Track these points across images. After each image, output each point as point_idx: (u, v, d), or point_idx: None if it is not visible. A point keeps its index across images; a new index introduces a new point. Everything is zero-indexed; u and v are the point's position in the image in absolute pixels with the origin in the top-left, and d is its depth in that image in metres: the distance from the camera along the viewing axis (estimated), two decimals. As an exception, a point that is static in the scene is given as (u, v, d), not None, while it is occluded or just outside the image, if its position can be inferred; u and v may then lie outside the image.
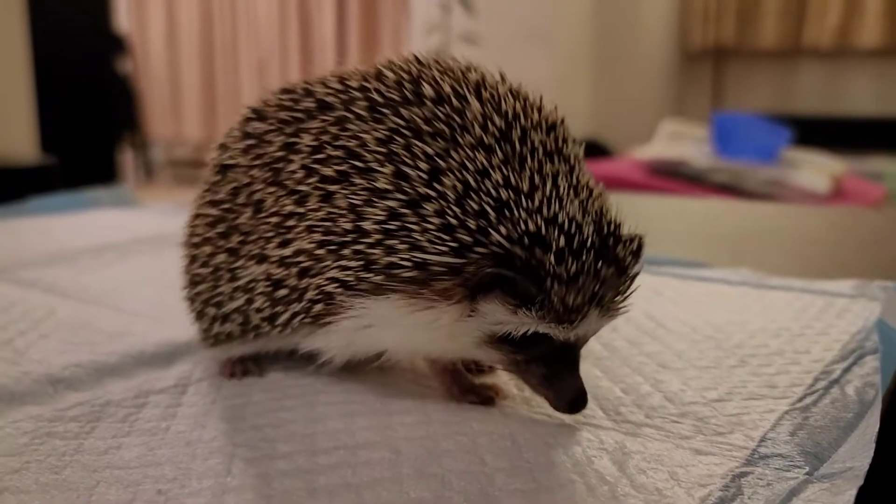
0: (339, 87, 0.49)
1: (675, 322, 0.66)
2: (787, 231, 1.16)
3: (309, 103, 0.50)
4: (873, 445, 0.42)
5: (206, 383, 0.55)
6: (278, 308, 0.50)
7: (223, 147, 0.55)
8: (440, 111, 0.45)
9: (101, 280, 0.82)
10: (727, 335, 0.63)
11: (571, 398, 0.45)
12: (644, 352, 0.60)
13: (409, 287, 0.44)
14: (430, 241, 0.43)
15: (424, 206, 0.43)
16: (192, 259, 0.56)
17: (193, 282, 0.56)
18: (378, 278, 0.45)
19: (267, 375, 0.56)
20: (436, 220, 0.43)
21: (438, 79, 0.47)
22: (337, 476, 0.42)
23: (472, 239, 0.43)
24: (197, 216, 0.56)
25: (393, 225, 0.44)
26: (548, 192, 0.43)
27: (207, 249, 0.54)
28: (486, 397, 0.50)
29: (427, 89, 0.46)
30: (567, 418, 0.48)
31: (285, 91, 0.53)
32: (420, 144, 0.44)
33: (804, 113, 3.39)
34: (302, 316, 0.49)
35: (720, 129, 2.55)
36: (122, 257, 0.93)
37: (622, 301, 0.45)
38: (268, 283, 0.50)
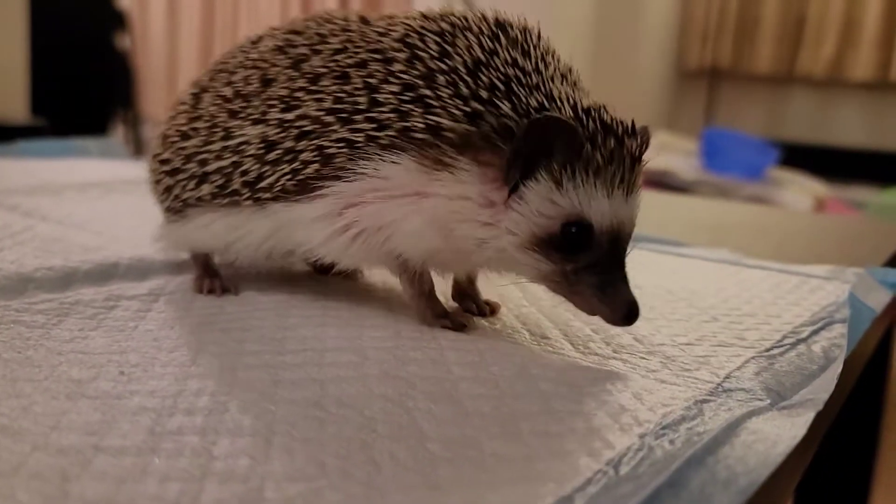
0: (358, 20, 0.53)
1: (649, 285, 0.67)
2: (768, 227, 1.17)
3: (332, 26, 0.53)
4: (834, 383, 0.43)
5: (179, 295, 0.55)
6: (265, 169, 0.51)
7: (255, 44, 0.57)
8: (446, 20, 0.49)
9: (84, 210, 0.82)
10: (701, 298, 0.64)
11: (627, 309, 0.45)
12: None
13: (422, 147, 0.46)
14: (443, 108, 0.45)
15: (437, 77, 0.46)
16: (193, 116, 0.56)
17: (185, 135, 0.56)
18: (390, 137, 0.46)
19: (242, 294, 0.56)
20: (448, 90, 0.46)
21: (443, 13, 0.51)
22: (302, 372, 0.42)
23: (483, 108, 0.45)
24: (203, 89, 0.57)
25: (407, 96, 0.46)
26: (549, 75, 0.47)
27: (211, 109, 0.55)
28: (459, 323, 0.50)
29: (432, 16, 0.50)
30: (536, 348, 0.48)
31: (298, 26, 0.56)
32: (432, 36, 0.48)
33: (793, 138, 3.43)
34: (289, 177, 0.49)
35: (709, 144, 2.57)
36: (107, 194, 0.92)
37: (639, 177, 0.47)
38: (261, 144, 0.51)
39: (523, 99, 0.45)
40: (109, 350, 0.43)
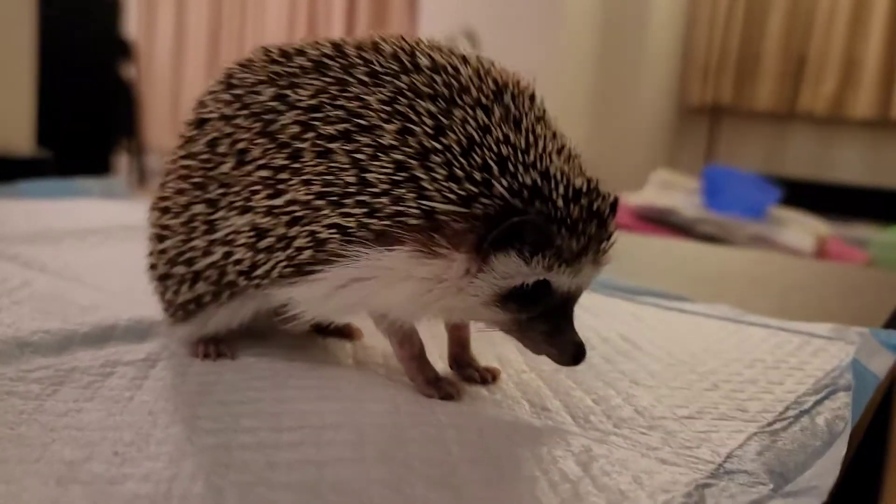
0: (334, 51, 0.50)
1: (651, 346, 0.66)
2: (769, 276, 1.17)
3: (303, 61, 0.51)
4: (839, 467, 0.42)
5: (177, 360, 0.54)
6: (259, 257, 0.49)
7: (201, 104, 0.55)
8: (437, 78, 0.47)
9: (82, 259, 0.81)
10: (702, 361, 0.63)
11: (574, 351, 0.47)
12: (618, 369, 0.60)
13: (416, 235, 0.45)
14: (437, 191, 0.44)
15: (431, 157, 0.45)
16: (162, 211, 0.55)
17: (160, 236, 0.55)
18: (383, 224, 0.45)
19: (239, 359, 0.55)
20: (443, 171, 0.45)
21: (430, 52, 0.49)
22: (299, 452, 0.41)
23: (477, 190, 0.44)
24: (169, 173, 0.55)
25: (400, 176, 0.45)
26: (540, 150, 0.46)
27: (182, 200, 0.53)
28: (447, 393, 0.50)
29: (423, 60, 0.48)
30: (536, 422, 0.48)
31: (270, 50, 0.53)
32: (423, 104, 0.46)
33: (794, 176, 3.43)
34: (284, 264, 0.48)
35: (710, 182, 2.58)
36: (106, 241, 0.92)
37: (606, 252, 0.48)
38: (251, 233, 0.49)
39: (518, 178, 0.45)
40: (104, 426, 0.43)
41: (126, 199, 1.29)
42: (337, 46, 0.51)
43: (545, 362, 0.59)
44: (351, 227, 0.46)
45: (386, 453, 0.41)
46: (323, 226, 0.47)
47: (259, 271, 0.49)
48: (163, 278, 0.55)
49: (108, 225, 1.00)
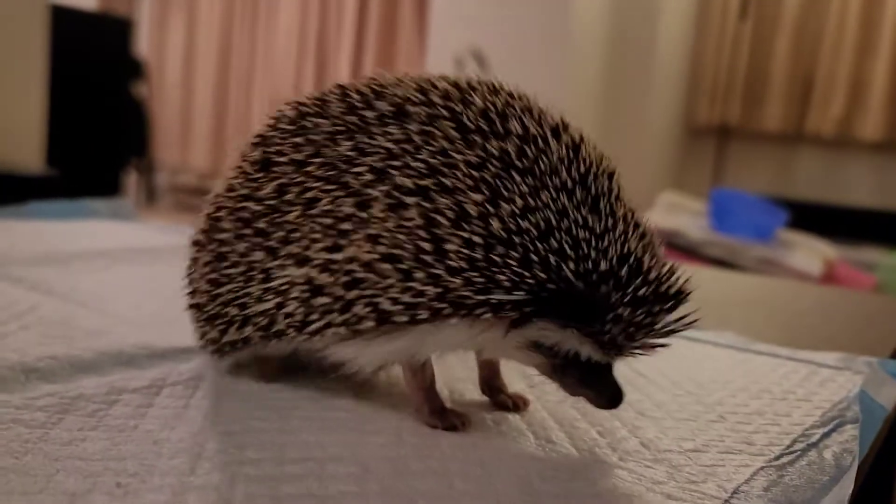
0: (420, 96, 0.48)
1: (658, 375, 0.66)
2: (775, 302, 1.16)
3: (384, 106, 0.49)
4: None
5: (182, 386, 0.54)
6: (313, 316, 0.47)
7: (266, 141, 0.52)
8: (528, 149, 0.46)
9: (88, 283, 0.82)
10: (708, 392, 0.63)
11: (611, 395, 0.48)
12: (625, 399, 0.59)
13: (473, 315, 0.44)
14: (507, 278, 0.43)
15: (512, 239, 0.43)
16: (219, 258, 0.52)
17: (217, 282, 0.52)
18: (450, 310, 0.44)
19: (245, 386, 0.55)
20: (517, 256, 0.43)
21: (522, 116, 0.47)
22: (303, 486, 0.41)
23: (545, 276, 0.43)
24: (225, 209, 0.52)
25: (478, 258, 0.43)
26: (617, 236, 0.45)
27: (241, 247, 0.51)
28: (451, 424, 0.50)
29: (514, 125, 0.47)
30: (540, 454, 0.48)
31: (348, 91, 0.51)
32: (514, 177, 0.45)
33: (802, 198, 3.43)
34: (343, 329, 0.47)
35: (718, 205, 2.57)
36: (113, 264, 0.92)
37: (654, 348, 0.48)
38: (306, 287, 0.47)
39: (589, 265, 0.44)
40: (107, 456, 0.43)
41: (134, 220, 1.30)
42: (422, 90, 0.49)
43: (550, 392, 0.59)
44: (421, 314, 0.44)
45: (389, 488, 0.41)
46: (388, 298, 0.45)
47: (311, 328, 0.48)
48: (213, 318, 0.54)
49: (116, 247, 1.01)
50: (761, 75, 3.74)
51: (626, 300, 0.44)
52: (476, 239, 0.43)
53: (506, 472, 0.44)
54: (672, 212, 2.69)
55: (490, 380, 0.56)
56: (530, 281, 0.43)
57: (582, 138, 0.48)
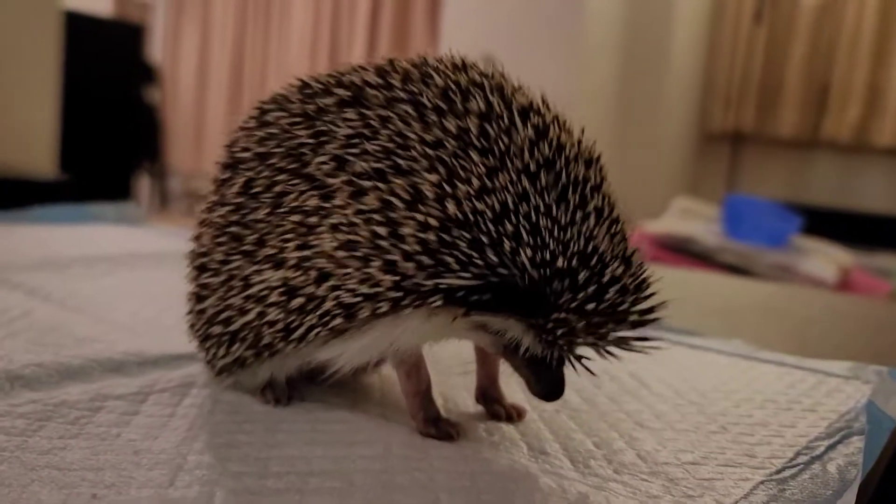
0: (379, 80, 0.47)
1: (659, 384, 0.65)
2: (787, 310, 1.14)
3: (342, 92, 0.48)
4: (847, 522, 0.40)
5: (169, 394, 0.53)
6: (292, 319, 0.47)
7: (232, 143, 0.52)
8: (490, 129, 0.44)
9: (87, 288, 0.81)
10: (711, 402, 0.61)
11: (550, 388, 0.45)
12: (623, 409, 0.58)
13: (427, 304, 0.43)
14: (456, 260, 0.41)
15: (468, 222, 0.41)
16: (200, 269, 0.52)
17: (199, 296, 0.52)
18: (408, 298, 0.43)
19: (234, 399, 0.54)
20: (467, 238, 0.41)
21: (488, 95, 0.45)
22: (283, 500, 0.40)
23: (497, 260, 0.41)
24: (204, 223, 0.52)
25: (433, 242, 0.42)
26: (584, 229, 0.42)
27: (218, 256, 0.50)
28: (446, 433, 0.49)
29: (477, 104, 0.45)
30: (533, 466, 0.46)
31: (307, 83, 0.50)
32: (472, 158, 0.43)
33: (817, 204, 3.39)
34: (318, 330, 0.46)
35: (731, 211, 2.54)
36: (114, 270, 0.92)
37: (613, 351, 0.45)
38: (283, 290, 0.47)
39: (546, 256, 0.41)
40: (85, 465, 0.42)
41: (140, 224, 1.30)
42: (381, 73, 0.47)
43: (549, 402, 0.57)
44: (380, 307, 0.43)
45: (371, 503, 0.40)
46: (348, 290, 0.44)
47: (295, 335, 0.47)
48: (203, 339, 0.53)
49: (118, 252, 1.00)
50: (776, 80, 3.71)
51: (574, 305, 0.41)
52: (431, 221, 0.42)
53: (495, 485, 0.43)
54: (685, 217, 2.66)
55: (486, 388, 0.55)
56: (479, 263, 0.41)
57: (557, 121, 0.46)
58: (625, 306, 0.43)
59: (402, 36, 4.58)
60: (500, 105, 0.45)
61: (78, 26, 2.91)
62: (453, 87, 0.46)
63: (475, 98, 0.45)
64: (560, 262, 0.41)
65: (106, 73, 3.46)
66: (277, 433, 0.48)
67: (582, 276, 0.41)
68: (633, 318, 0.44)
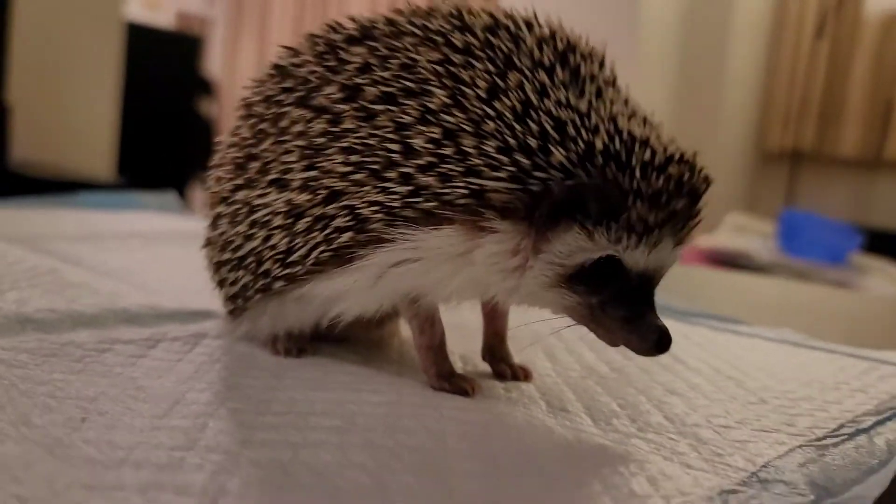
0: (384, 19, 0.47)
1: (697, 361, 0.61)
2: (840, 309, 1.08)
3: (350, 31, 0.47)
4: (888, 481, 0.37)
5: (181, 342, 0.52)
6: (297, 241, 0.45)
7: (247, 92, 0.52)
8: (495, 39, 0.43)
9: (118, 259, 0.81)
10: (752, 378, 0.57)
11: (657, 338, 0.41)
12: (655, 379, 0.54)
13: (465, 215, 0.41)
14: (487, 166, 0.40)
15: (483, 126, 0.41)
16: (215, 201, 0.52)
17: (214, 224, 0.52)
18: (429, 205, 0.41)
19: (247, 349, 0.52)
20: (494, 142, 0.40)
21: (492, 12, 0.45)
22: (278, 434, 0.38)
23: (529, 162, 0.40)
24: (219, 164, 0.52)
25: (447, 148, 0.41)
26: (613, 113, 0.41)
27: (228, 186, 0.50)
28: (460, 388, 0.46)
29: (480, 19, 0.44)
30: (550, 421, 0.43)
31: (316, 34, 0.50)
32: (477, 64, 0.42)
33: (880, 225, 3.27)
34: (323, 248, 0.44)
35: (788, 226, 2.46)
36: (148, 245, 0.92)
37: (691, 230, 0.43)
38: (288, 213, 0.45)
39: (574, 146, 0.40)
40: (81, 395, 0.40)
41: (179, 213, 1.30)
42: (388, 19, 0.47)
43: (573, 369, 0.55)
44: (395, 207, 0.41)
45: (372, 441, 0.38)
46: (364, 202, 0.42)
47: (294, 256, 0.45)
48: (217, 267, 0.52)
49: (154, 231, 1.00)
50: (837, 98, 3.60)
51: (647, 179, 0.40)
52: (442, 133, 0.41)
53: (507, 433, 0.40)
54: (739, 233, 2.59)
55: (494, 346, 0.52)
56: (511, 168, 0.40)
57: (563, 29, 0.45)
58: (686, 176, 0.41)
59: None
60: (505, 17, 0.44)
61: (139, 37, 2.99)
62: (455, 11, 0.45)
63: (479, 16, 0.45)
64: (601, 145, 0.40)
65: (164, 84, 3.53)
66: (283, 379, 0.46)
67: (636, 156, 0.40)
68: (699, 187, 0.42)
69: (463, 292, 0.45)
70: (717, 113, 3.40)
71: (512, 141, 0.40)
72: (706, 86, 3.32)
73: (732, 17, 3.29)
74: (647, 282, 0.42)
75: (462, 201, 0.41)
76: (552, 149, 0.40)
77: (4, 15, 1.99)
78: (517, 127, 0.40)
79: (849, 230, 2.51)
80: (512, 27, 0.44)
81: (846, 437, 0.46)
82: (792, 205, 3.64)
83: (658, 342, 0.41)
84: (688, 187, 0.41)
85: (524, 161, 0.40)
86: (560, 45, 0.43)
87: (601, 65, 0.44)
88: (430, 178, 0.41)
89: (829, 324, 0.97)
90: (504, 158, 0.40)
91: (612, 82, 0.44)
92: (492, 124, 0.41)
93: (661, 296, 0.44)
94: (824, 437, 0.45)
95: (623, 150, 0.40)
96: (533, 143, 0.40)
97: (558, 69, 0.42)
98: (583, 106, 0.41)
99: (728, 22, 3.28)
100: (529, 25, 0.44)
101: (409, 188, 0.41)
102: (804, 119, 3.66)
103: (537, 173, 0.40)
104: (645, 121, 0.43)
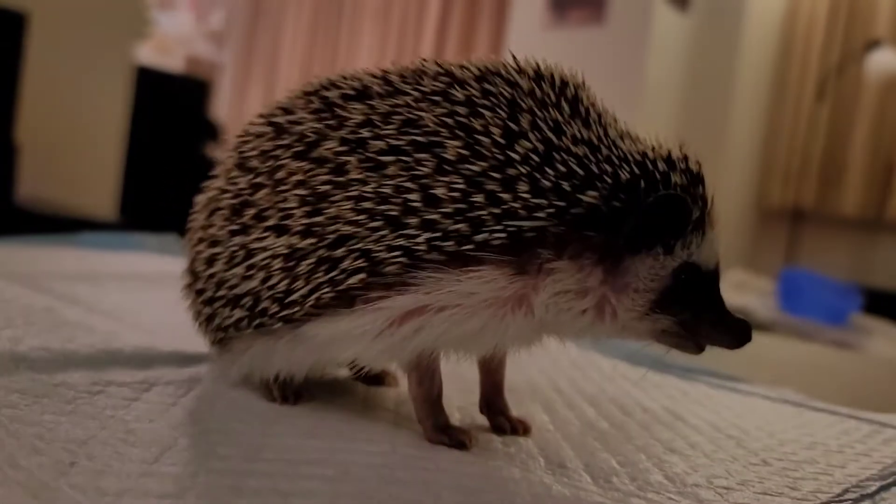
0: (378, 79, 0.47)
1: (697, 419, 0.60)
2: (842, 370, 1.07)
3: (346, 90, 0.47)
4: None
5: (174, 386, 0.51)
6: (297, 283, 0.44)
7: (236, 147, 0.52)
8: (492, 87, 0.44)
9: (115, 299, 0.80)
10: (753, 438, 0.56)
11: (744, 326, 0.44)
12: (655, 436, 0.54)
13: (508, 256, 0.41)
14: (524, 207, 0.41)
15: (508, 170, 0.41)
16: (200, 241, 0.52)
17: (208, 261, 0.50)
18: (463, 248, 0.41)
19: (239, 394, 0.52)
20: (525, 184, 0.41)
21: (479, 65, 0.46)
22: (269, 481, 0.37)
23: (566, 200, 0.41)
24: (210, 207, 0.52)
25: (476, 195, 0.41)
26: (622, 135, 0.44)
27: (222, 233, 0.49)
28: (458, 441, 0.45)
29: (470, 71, 0.45)
30: (548, 478, 0.42)
31: (308, 90, 0.50)
32: (485, 112, 0.43)
33: (882, 287, 3.26)
34: (325, 290, 0.43)
35: (788, 285, 2.46)
36: (147, 287, 0.91)
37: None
38: (289, 255, 0.44)
39: (610, 177, 0.41)
40: (71, 438, 0.40)
41: (180, 255, 1.30)
42: (379, 76, 0.47)
43: (572, 423, 0.54)
44: (419, 251, 0.41)
45: (364, 492, 0.37)
46: (382, 245, 0.42)
47: (294, 296, 0.44)
48: (208, 303, 0.51)
49: (154, 273, 1.00)
50: (838, 158, 3.63)
51: (691, 184, 0.43)
52: (465, 181, 0.41)
53: (504, 490, 0.39)
54: (739, 290, 2.58)
55: (492, 399, 0.51)
56: (550, 210, 0.41)
57: (545, 63, 0.46)
58: (696, 168, 0.44)
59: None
60: (489, 67, 0.45)
61: (148, 80, 3.02)
62: (443, 69, 0.46)
63: (466, 69, 0.45)
64: (637, 168, 0.42)
65: (171, 126, 3.56)
66: (276, 425, 0.45)
67: (671, 165, 0.43)
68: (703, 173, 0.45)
69: (516, 341, 0.45)
70: (717, 170, 3.42)
71: (546, 183, 0.41)
72: (708, 142, 3.34)
73: (734, 80, 3.34)
74: (717, 277, 0.44)
75: (499, 242, 0.40)
76: (587, 186, 0.41)
77: (18, 56, 2.02)
78: (546, 168, 0.41)
79: (850, 290, 2.50)
80: (503, 72, 0.45)
81: (851, 502, 0.45)
82: (792, 263, 3.64)
83: (748, 332, 0.43)
84: (700, 177, 0.44)
85: (560, 203, 0.41)
86: (555, 81, 0.45)
87: (587, 91, 0.46)
88: (459, 225, 0.41)
89: (831, 384, 0.96)
90: (542, 201, 0.41)
91: (602, 107, 0.46)
92: (519, 168, 0.41)
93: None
94: (829, 503, 0.44)
95: (660, 164, 0.42)
96: (566, 185, 0.41)
97: (563, 103, 0.43)
98: (597, 134, 0.43)
99: (730, 84, 3.32)
100: (518, 69, 0.45)
101: (436, 234, 0.41)
102: (805, 177, 3.68)
103: (578, 208, 0.41)
104: (638, 137, 0.46)
